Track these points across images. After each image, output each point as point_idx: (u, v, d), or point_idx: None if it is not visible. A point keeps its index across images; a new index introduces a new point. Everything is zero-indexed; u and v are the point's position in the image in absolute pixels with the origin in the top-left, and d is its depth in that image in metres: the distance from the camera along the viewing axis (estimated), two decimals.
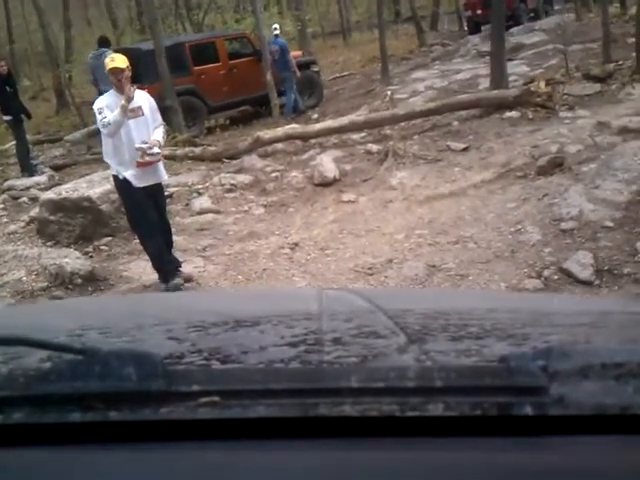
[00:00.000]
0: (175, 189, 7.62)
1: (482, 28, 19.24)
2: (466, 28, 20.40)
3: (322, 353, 0.77)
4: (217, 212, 6.75)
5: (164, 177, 5.12)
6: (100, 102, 4.80)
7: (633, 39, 12.71)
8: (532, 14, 19.68)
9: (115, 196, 6.15)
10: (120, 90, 4.71)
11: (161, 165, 5.01)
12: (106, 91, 10.18)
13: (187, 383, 0.60)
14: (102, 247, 6.04)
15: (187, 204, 7.09)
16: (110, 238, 6.14)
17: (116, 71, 4.69)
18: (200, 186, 7.61)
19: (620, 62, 10.05)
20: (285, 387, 0.60)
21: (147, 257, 5.29)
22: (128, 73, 4.76)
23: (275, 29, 12.15)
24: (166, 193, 7.28)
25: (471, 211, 5.83)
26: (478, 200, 6.09)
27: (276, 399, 0.59)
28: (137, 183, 4.80)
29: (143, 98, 4.89)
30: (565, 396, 0.58)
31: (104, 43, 10.87)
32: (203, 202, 6.99)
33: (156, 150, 4.79)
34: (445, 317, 1.00)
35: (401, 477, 0.54)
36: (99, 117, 4.71)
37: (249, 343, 0.81)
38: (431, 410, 0.57)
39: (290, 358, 0.75)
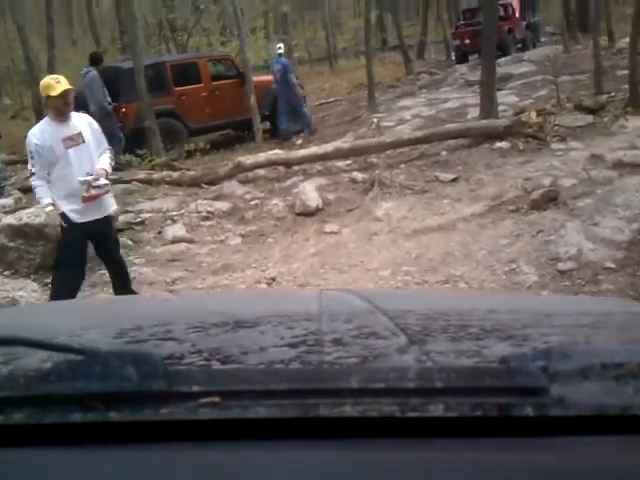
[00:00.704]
0: (148, 215, 7.21)
1: (469, 58, 19.25)
2: (454, 57, 20.32)
3: (322, 354, 0.77)
4: (191, 241, 6.34)
5: (111, 209, 4.61)
6: (32, 138, 4.17)
7: (623, 71, 12.61)
8: (520, 45, 19.63)
9: None
10: (61, 117, 4.16)
11: (109, 196, 4.51)
12: (101, 105, 10.08)
13: (187, 383, 0.59)
14: None
15: (160, 232, 6.67)
16: None
17: (67, 93, 4.12)
18: (175, 213, 7.21)
19: (612, 94, 9.84)
20: (285, 388, 0.59)
21: (111, 290, 4.88)
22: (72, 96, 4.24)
23: (279, 48, 11.95)
24: (138, 219, 6.90)
25: (461, 247, 5.47)
26: (468, 235, 5.73)
27: (276, 400, 0.58)
28: (77, 219, 4.28)
29: (83, 122, 4.33)
30: (565, 397, 0.57)
31: (94, 60, 10.41)
32: (177, 230, 6.58)
33: (103, 181, 4.28)
34: (445, 318, 1.00)
35: (401, 478, 0.54)
36: (30, 161, 4.17)
37: (249, 344, 0.81)
38: (431, 411, 0.56)
39: (290, 359, 0.75)
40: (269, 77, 13.23)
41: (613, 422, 0.57)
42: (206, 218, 6.98)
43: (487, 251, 5.27)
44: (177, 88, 11.20)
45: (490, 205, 6.44)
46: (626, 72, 12.50)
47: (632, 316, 1.07)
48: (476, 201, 6.63)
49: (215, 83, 11.72)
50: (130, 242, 6.29)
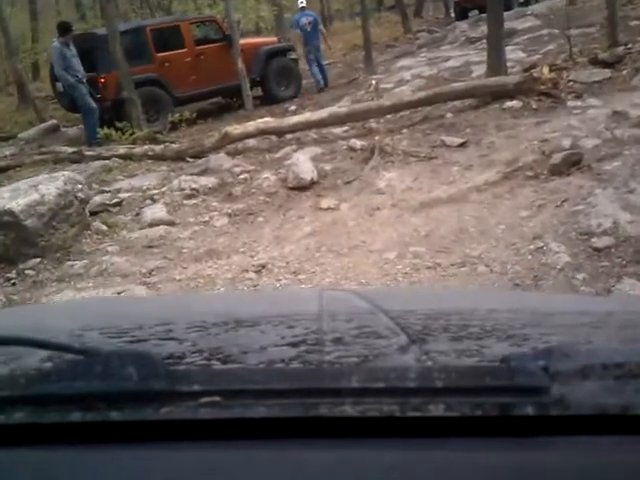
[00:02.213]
0: (127, 195, 6.54)
1: (469, 15, 18.37)
2: (453, 14, 19.43)
3: (323, 353, 0.77)
4: (172, 224, 5.67)
5: None
6: None
7: (636, 22, 11.82)
8: (522, 0, 18.71)
9: (44, 209, 5.07)
10: None
11: None
12: (62, 77, 9.40)
13: (188, 383, 0.58)
14: (28, 271, 4.93)
15: (137, 214, 6.00)
16: (38, 260, 5.02)
17: None
18: (155, 191, 6.52)
19: (629, 45, 9.05)
20: (286, 387, 0.59)
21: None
22: None
23: (302, 2, 11.97)
24: (115, 200, 6.24)
25: (476, 221, 4.80)
26: (483, 207, 5.06)
27: (277, 399, 0.57)
28: None
29: None
30: (566, 396, 0.56)
31: (60, 30, 9.69)
32: (156, 211, 5.90)
33: None
34: (446, 317, 1.00)
35: (401, 477, 0.54)
36: None
37: (250, 343, 0.81)
38: (432, 410, 0.56)
39: (291, 358, 0.74)
40: (260, 39, 12.47)
41: (614, 422, 0.56)
42: (190, 196, 6.30)
43: (506, 226, 4.61)
44: (159, 54, 10.42)
45: (505, 172, 5.75)
46: None
47: (632, 316, 1.06)
48: (489, 167, 5.95)
49: (200, 48, 10.93)
50: (104, 227, 5.64)
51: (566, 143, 6.01)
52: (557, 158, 5.53)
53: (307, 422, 0.56)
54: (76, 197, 5.42)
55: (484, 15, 17.73)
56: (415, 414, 0.56)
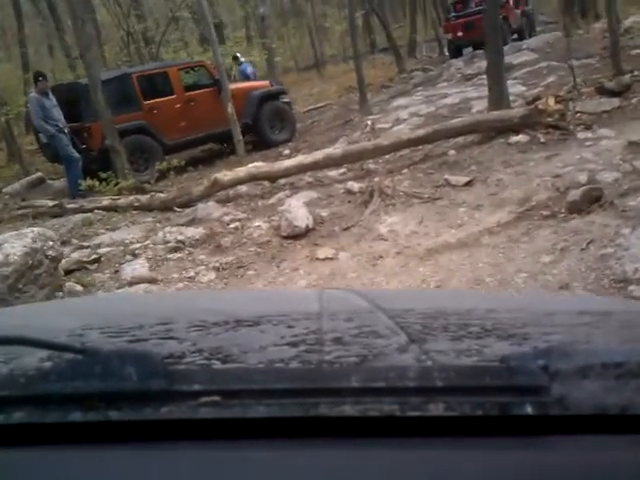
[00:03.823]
0: (107, 250, 6.02)
1: (463, 52, 18.19)
2: (447, 52, 19.25)
3: (322, 353, 0.77)
4: (153, 281, 5.13)
5: None
6: None
7: (636, 50, 11.50)
8: (516, 35, 18.54)
9: (8, 270, 4.54)
10: None
11: None
12: (41, 128, 9.02)
13: (188, 383, 0.58)
14: None
15: (116, 271, 5.47)
16: None
17: None
18: (138, 245, 6.00)
19: (635, 73, 8.65)
20: (286, 387, 0.59)
21: None
22: None
23: (239, 55, 11.75)
24: (93, 256, 5.72)
25: (492, 269, 4.27)
26: (498, 252, 4.54)
27: (277, 399, 0.57)
28: None
29: None
30: (566, 396, 0.56)
31: (35, 80, 9.36)
32: (137, 267, 5.37)
33: None
34: (446, 317, 1.00)
35: (401, 477, 0.54)
36: None
37: (250, 343, 0.81)
38: (432, 410, 0.56)
39: (291, 358, 0.74)
40: (251, 83, 12.13)
41: (613, 421, 0.56)
42: (175, 249, 5.78)
43: (527, 274, 4.07)
44: (147, 101, 10.02)
45: (518, 211, 5.25)
46: None
47: (632, 315, 1.06)
48: (500, 207, 5.45)
49: (189, 93, 10.54)
50: (78, 287, 5.10)
51: (582, 178, 5.53)
52: (575, 194, 5.03)
53: (307, 422, 0.56)
54: (46, 255, 4.90)
55: (479, 52, 17.61)
56: (415, 414, 0.56)
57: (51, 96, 8.83)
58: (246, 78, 12.23)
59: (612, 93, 7.99)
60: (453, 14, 18.52)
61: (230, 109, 9.49)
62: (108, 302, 1.59)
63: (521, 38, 18.26)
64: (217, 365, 0.74)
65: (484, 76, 13.57)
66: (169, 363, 0.68)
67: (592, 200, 4.98)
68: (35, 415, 0.57)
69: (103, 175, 8.27)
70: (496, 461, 0.54)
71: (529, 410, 0.55)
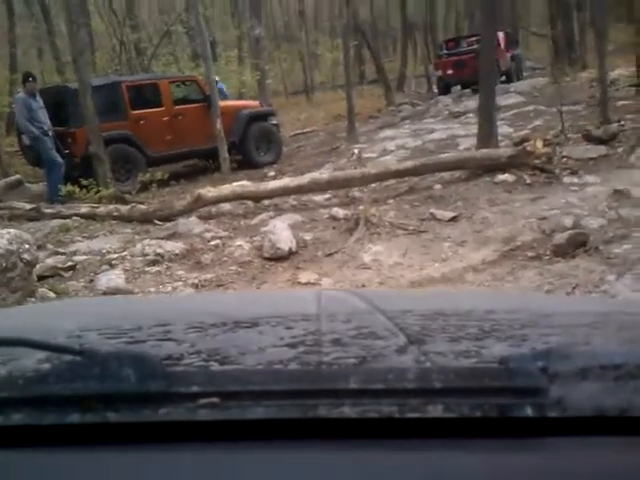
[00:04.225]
0: (83, 258, 5.88)
1: (452, 90, 18.43)
2: (436, 89, 19.49)
3: (321, 354, 0.76)
4: (129, 293, 5.00)
5: None
6: None
7: (622, 102, 11.71)
8: (504, 77, 18.82)
9: None
10: None
11: None
12: (26, 129, 8.87)
13: (186, 384, 0.58)
14: None
15: (92, 280, 5.33)
16: None
17: None
18: (115, 255, 5.87)
19: (622, 122, 8.79)
20: (284, 388, 0.59)
21: None
22: None
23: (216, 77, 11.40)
24: (68, 263, 5.57)
25: None
26: (482, 289, 4.50)
27: (275, 400, 0.57)
28: None
29: None
30: (564, 398, 0.56)
31: (26, 79, 9.22)
32: (113, 278, 5.23)
33: None
34: (444, 318, 1.00)
35: (400, 479, 0.53)
36: None
37: (248, 344, 0.81)
38: (430, 411, 0.56)
39: (289, 359, 0.74)
40: (241, 102, 12.11)
41: (612, 423, 0.56)
42: (153, 262, 5.66)
43: None
44: (134, 111, 9.94)
45: (503, 250, 5.24)
46: (626, 102, 11.67)
47: (632, 316, 1.06)
48: (484, 245, 5.43)
49: (178, 107, 10.48)
50: (51, 294, 4.95)
51: (568, 222, 5.54)
52: (561, 238, 5.04)
53: (305, 424, 0.56)
54: (21, 259, 4.75)
55: (467, 90, 17.88)
56: (414, 415, 0.56)
57: (38, 98, 8.71)
58: (224, 97, 12.17)
59: (599, 140, 8.09)
60: (445, 51, 18.80)
61: (219, 126, 9.43)
62: (106, 304, 1.58)
63: (509, 81, 18.57)
64: (215, 367, 0.74)
65: (471, 114, 13.79)
66: (167, 365, 0.68)
67: (577, 245, 4.98)
68: (33, 417, 0.57)
69: (84, 182, 8.13)
70: (495, 463, 0.54)
71: (528, 412, 0.55)
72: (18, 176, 11.15)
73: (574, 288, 4.23)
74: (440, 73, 18.49)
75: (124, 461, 0.55)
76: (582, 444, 0.56)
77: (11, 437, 0.57)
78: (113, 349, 0.77)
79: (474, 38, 18.93)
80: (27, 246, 4.85)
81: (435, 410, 0.55)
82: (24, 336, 0.67)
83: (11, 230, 4.94)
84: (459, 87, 18.71)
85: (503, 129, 11.12)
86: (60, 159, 8.74)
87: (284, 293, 2.66)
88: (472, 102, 15.37)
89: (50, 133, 8.74)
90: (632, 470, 0.54)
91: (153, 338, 0.87)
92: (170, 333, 0.90)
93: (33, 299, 4.77)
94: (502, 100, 14.87)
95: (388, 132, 12.99)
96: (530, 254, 5.04)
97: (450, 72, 17.84)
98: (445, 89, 18.29)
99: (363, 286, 4.82)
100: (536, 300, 1.56)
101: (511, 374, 0.58)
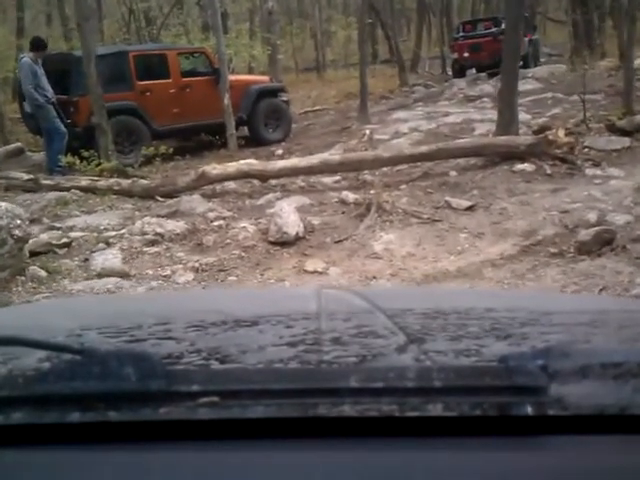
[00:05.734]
0: (79, 234, 5.59)
1: (467, 73, 18.00)
2: (450, 72, 19.04)
3: (321, 353, 0.76)
4: (125, 275, 4.71)
5: None
6: None
7: None
8: (521, 62, 18.35)
9: None
10: None
11: None
12: (30, 96, 8.57)
13: (186, 383, 0.58)
14: None
15: (87, 259, 5.05)
16: None
17: None
18: (113, 233, 5.59)
19: None
20: (284, 387, 0.59)
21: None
22: None
23: None
24: (64, 240, 5.29)
25: None
26: (502, 288, 4.21)
27: (275, 399, 0.57)
28: None
29: None
30: (565, 396, 0.56)
31: (32, 46, 8.86)
32: (110, 258, 4.95)
33: None
34: (444, 317, 0.99)
35: (401, 477, 0.53)
36: None
37: (248, 343, 0.81)
38: (430, 410, 0.56)
39: (289, 358, 0.74)
40: (251, 77, 11.75)
41: (612, 421, 0.56)
42: (152, 242, 5.38)
43: None
44: (140, 82, 9.59)
45: (523, 244, 4.94)
46: None
47: (631, 314, 1.06)
48: (503, 238, 5.13)
49: (186, 79, 10.12)
50: (42, 272, 4.67)
51: (591, 217, 5.23)
52: (586, 235, 4.73)
53: (306, 422, 0.56)
54: (12, 235, 4.48)
55: (482, 74, 17.45)
56: (414, 414, 0.55)
57: (40, 65, 8.37)
58: None
59: (622, 132, 7.74)
60: (462, 34, 18.33)
61: (227, 100, 9.09)
62: (106, 302, 1.59)
63: (525, 66, 18.08)
64: (215, 365, 0.74)
65: (487, 99, 13.41)
66: (168, 363, 0.68)
67: (603, 242, 4.68)
68: (34, 416, 0.57)
69: (85, 153, 7.82)
70: (495, 461, 0.54)
71: (528, 410, 0.55)
72: (19, 144, 10.85)
73: (601, 290, 3.94)
74: (456, 55, 18.04)
75: (124, 460, 0.55)
76: (582, 442, 0.55)
77: (12, 436, 0.56)
78: (113, 348, 0.77)
79: (492, 21, 18.49)
80: (19, 221, 4.58)
81: (435, 409, 0.55)
82: (24, 335, 0.67)
83: (2, 204, 4.65)
84: (474, 70, 18.27)
85: (521, 115, 10.76)
86: (64, 128, 8.42)
87: (284, 290, 2.61)
88: (487, 86, 14.99)
89: (53, 101, 8.41)
90: (632, 468, 0.53)
91: (153, 337, 0.87)
92: (170, 332, 0.91)
93: (23, 278, 4.50)
94: (519, 85, 14.48)
95: (401, 113, 12.63)
96: (552, 250, 4.74)
97: (466, 55, 17.41)
98: (460, 72, 17.85)
99: (374, 278, 4.53)
100: (536, 298, 1.57)
101: (511, 372, 0.58)
